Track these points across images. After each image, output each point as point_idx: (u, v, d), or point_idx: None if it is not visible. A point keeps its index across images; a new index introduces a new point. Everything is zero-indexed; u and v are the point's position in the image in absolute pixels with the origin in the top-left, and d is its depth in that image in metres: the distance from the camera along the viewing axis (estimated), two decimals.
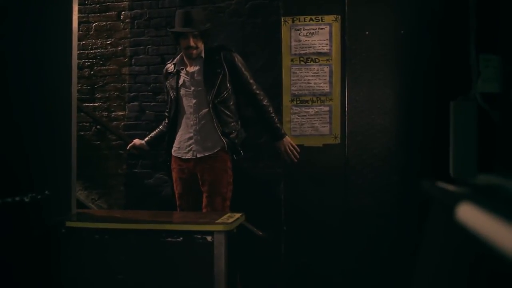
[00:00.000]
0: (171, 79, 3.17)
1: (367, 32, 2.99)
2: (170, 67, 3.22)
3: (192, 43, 3.03)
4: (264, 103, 3.05)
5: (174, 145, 3.16)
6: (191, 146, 3.09)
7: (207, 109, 3.04)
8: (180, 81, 3.13)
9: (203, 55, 3.09)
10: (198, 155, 3.07)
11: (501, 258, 0.58)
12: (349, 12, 3.02)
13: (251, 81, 3.07)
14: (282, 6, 3.14)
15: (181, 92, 3.12)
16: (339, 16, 3.04)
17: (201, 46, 3.09)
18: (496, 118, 2.14)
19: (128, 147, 3.45)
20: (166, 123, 3.30)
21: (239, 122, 3.12)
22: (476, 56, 2.51)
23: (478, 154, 2.06)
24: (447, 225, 0.88)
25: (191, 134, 3.09)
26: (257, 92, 3.06)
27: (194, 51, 3.06)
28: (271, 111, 3.06)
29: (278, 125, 3.08)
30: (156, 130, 3.37)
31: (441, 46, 2.85)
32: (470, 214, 0.74)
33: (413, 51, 2.92)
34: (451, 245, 0.90)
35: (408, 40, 2.93)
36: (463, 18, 2.66)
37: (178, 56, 3.20)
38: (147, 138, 3.37)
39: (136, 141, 3.39)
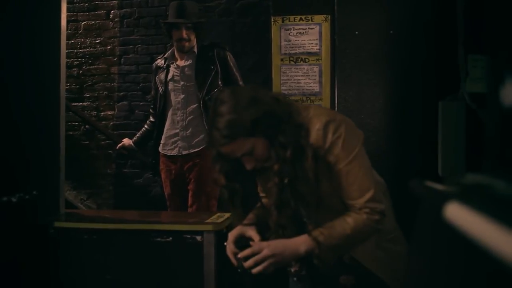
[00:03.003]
0: (160, 73, 3.12)
1: (356, 32, 3.00)
2: (160, 62, 3.18)
3: (184, 35, 3.00)
4: None
5: (160, 141, 3.13)
6: (177, 143, 3.06)
7: (196, 105, 3.01)
8: (169, 75, 3.09)
9: (195, 50, 3.07)
10: (184, 152, 3.04)
11: (489, 256, 0.58)
12: (339, 12, 3.03)
13: (241, 83, 3.06)
14: (272, 5, 3.14)
15: (169, 87, 3.08)
16: (329, 16, 3.05)
17: (193, 39, 3.06)
18: (484, 117, 2.16)
19: (117, 147, 3.42)
20: (150, 121, 3.25)
21: None
22: (464, 56, 2.53)
23: (466, 154, 2.07)
24: (435, 224, 0.88)
25: (177, 130, 3.05)
26: None
27: (186, 44, 3.02)
28: None
29: None
30: (142, 130, 3.31)
31: (430, 46, 2.86)
32: (457, 213, 0.75)
33: (402, 51, 2.94)
34: (440, 244, 0.90)
35: (397, 40, 2.94)
36: (452, 19, 2.68)
37: (170, 51, 3.17)
38: (134, 138, 3.32)
39: (126, 141, 3.36)
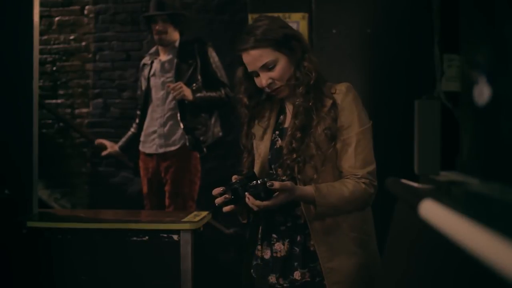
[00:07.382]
0: (145, 70, 3.08)
1: (334, 31, 3.01)
2: (146, 59, 3.14)
3: (160, 27, 2.95)
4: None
5: (140, 139, 3.07)
6: (154, 140, 3.00)
7: (174, 102, 2.96)
8: (152, 71, 3.05)
9: (177, 45, 3.03)
10: (160, 150, 2.97)
11: (461, 253, 0.59)
12: (316, 10, 3.03)
13: (222, 79, 3.01)
14: (249, 3, 3.14)
15: (151, 83, 3.05)
16: (307, 14, 3.05)
17: (171, 32, 3.00)
18: (459, 116, 2.19)
19: (102, 154, 3.27)
20: (136, 123, 3.14)
21: (212, 118, 3.03)
22: (440, 55, 2.56)
23: (441, 152, 2.10)
24: (410, 222, 0.89)
25: (156, 128, 2.99)
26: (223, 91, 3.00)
27: (163, 36, 2.98)
28: None
29: None
30: (128, 134, 3.19)
31: (407, 45, 2.89)
32: (431, 210, 0.75)
33: (379, 50, 2.96)
34: (415, 242, 0.91)
35: (374, 39, 2.96)
36: (427, 19, 2.71)
37: (154, 47, 3.14)
38: (120, 143, 3.19)
39: (109, 146, 3.19)
